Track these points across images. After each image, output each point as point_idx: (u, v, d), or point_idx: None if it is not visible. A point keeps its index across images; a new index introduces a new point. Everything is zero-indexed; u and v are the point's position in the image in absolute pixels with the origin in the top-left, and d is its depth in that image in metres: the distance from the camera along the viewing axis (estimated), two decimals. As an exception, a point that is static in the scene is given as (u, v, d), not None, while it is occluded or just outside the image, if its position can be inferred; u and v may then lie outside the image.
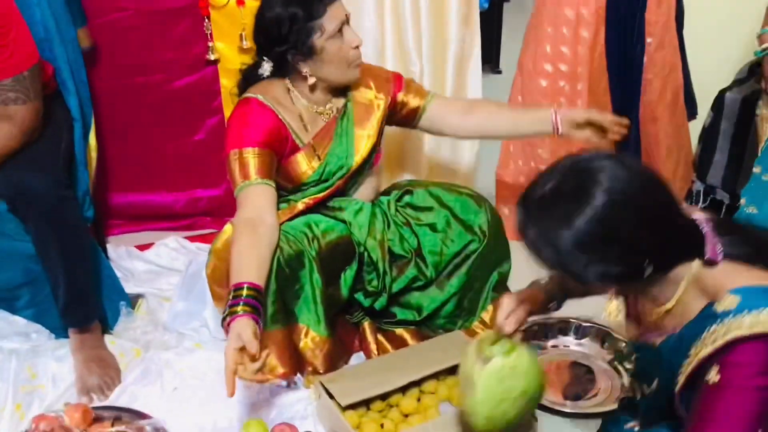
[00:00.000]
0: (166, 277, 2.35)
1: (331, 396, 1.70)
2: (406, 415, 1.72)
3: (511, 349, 1.36)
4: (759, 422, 1.03)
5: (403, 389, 1.75)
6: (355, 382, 1.74)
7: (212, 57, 2.42)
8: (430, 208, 2.03)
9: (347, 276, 1.95)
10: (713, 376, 1.04)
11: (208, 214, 2.71)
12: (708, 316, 1.07)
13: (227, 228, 1.85)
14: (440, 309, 2.02)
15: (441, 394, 1.76)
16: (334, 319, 1.95)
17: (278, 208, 1.82)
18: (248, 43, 2.34)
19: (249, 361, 1.46)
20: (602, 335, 2.02)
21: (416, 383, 1.77)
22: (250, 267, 1.62)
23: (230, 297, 1.57)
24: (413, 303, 2.03)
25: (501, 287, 2.07)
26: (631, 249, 1.07)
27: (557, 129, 1.93)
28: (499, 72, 4.39)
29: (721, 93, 2.44)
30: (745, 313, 1.02)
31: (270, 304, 1.75)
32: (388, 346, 2.01)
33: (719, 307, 1.06)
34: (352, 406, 1.68)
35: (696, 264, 1.12)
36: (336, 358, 1.91)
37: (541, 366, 1.43)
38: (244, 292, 1.56)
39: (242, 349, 1.46)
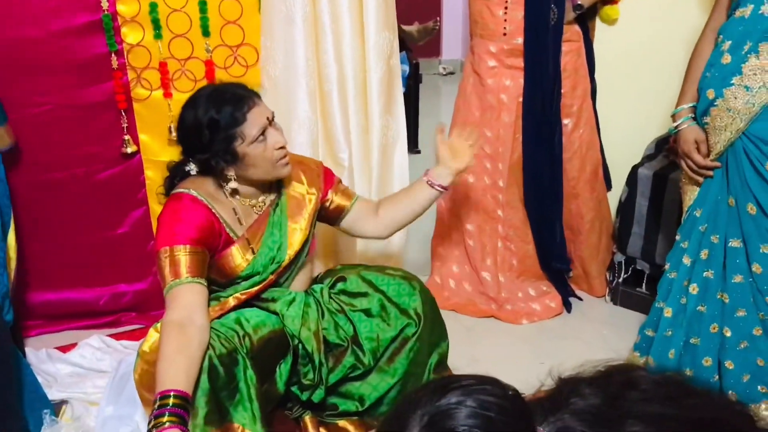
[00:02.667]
0: (92, 379, 2.22)
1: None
2: None
3: None
4: None
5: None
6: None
7: (128, 150, 2.39)
8: (364, 294, 2.01)
9: (282, 370, 1.89)
10: None
11: (133, 309, 2.62)
12: None
13: (154, 330, 1.78)
14: (383, 397, 1.98)
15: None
16: (271, 414, 1.88)
17: (209, 305, 1.78)
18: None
19: None
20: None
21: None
22: (178, 373, 1.56)
23: (156, 406, 1.49)
24: (354, 393, 1.99)
25: (441, 367, 2.07)
26: None
27: (438, 186, 2.05)
28: (418, 152, 4.51)
29: (634, 169, 2.57)
30: None
31: (204, 405, 1.67)
32: (332, 440, 1.95)
33: None
34: None
35: None
36: (274, 457, 1.84)
37: None
38: (171, 401, 1.49)
39: None
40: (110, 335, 2.48)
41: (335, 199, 2.03)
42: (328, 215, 2.05)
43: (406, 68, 4.14)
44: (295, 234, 1.92)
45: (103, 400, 2.06)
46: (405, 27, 4.21)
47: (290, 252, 1.90)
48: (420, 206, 2.08)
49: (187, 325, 1.63)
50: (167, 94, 2.32)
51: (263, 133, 1.77)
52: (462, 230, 2.78)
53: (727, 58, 1.85)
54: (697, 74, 1.95)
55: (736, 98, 1.83)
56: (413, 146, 4.46)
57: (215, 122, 1.73)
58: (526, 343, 2.57)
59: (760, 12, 1.80)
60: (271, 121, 1.80)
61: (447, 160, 2.06)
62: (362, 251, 2.55)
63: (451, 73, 7.01)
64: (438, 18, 3.84)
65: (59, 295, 2.55)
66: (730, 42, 1.85)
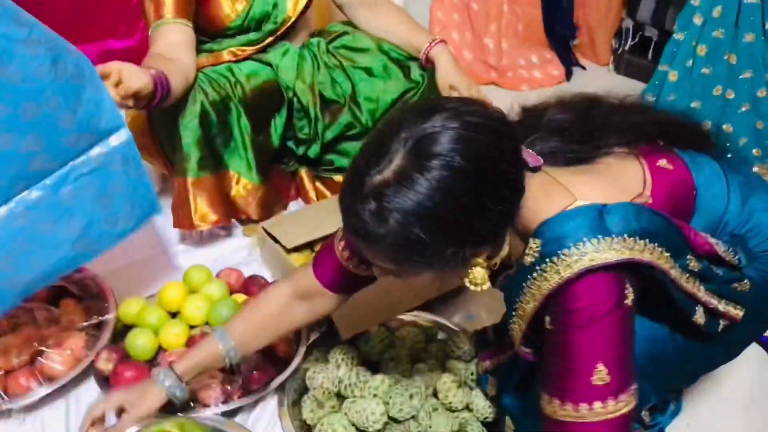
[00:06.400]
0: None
1: (275, 240, 1.67)
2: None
3: None
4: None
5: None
6: (298, 226, 1.70)
7: None
8: (366, 50, 1.91)
9: (277, 123, 1.87)
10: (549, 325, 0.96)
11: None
12: (524, 268, 0.96)
13: None
14: (380, 156, 1.98)
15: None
16: (267, 167, 1.89)
17: (199, 55, 1.72)
18: None
19: None
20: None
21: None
22: None
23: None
24: (350, 151, 1.95)
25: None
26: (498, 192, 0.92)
27: (425, 61, 1.87)
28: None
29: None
30: (547, 262, 0.92)
31: (196, 150, 1.68)
32: (328, 193, 1.96)
33: (527, 259, 0.95)
34: (297, 249, 1.65)
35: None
36: (270, 205, 1.86)
37: None
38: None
39: None
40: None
41: None
42: None
43: None
44: None
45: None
46: None
47: (290, 10, 1.80)
48: (407, 50, 1.91)
49: (172, 58, 1.58)
50: None
51: None
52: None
53: None
54: None
55: None
56: None
57: None
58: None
59: None
60: None
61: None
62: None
63: None
64: None
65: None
66: None
